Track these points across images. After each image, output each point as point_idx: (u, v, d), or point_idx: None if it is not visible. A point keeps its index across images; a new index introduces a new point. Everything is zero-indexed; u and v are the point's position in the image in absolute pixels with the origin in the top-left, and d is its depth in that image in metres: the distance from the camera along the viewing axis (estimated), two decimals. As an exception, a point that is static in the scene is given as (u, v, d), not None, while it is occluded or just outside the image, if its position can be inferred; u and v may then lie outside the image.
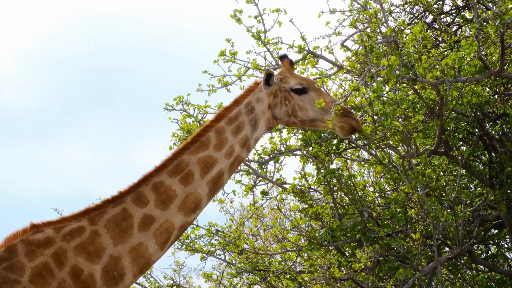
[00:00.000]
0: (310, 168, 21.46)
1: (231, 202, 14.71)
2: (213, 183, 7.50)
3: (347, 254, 13.24)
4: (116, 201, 7.19)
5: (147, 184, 7.30)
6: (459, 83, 11.62)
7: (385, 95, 11.94)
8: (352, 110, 8.31)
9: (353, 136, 12.72)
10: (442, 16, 15.27)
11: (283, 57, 8.27)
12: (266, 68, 12.09)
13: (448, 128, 12.85)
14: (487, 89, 13.27)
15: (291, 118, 7.98)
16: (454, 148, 13.09)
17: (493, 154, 13.26)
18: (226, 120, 7.73)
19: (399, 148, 12.43)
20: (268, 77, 7.99)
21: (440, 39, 14.40)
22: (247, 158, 13.26)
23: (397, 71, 11.15)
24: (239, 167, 13.35)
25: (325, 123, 8.07)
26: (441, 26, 15.03)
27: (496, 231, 13.87)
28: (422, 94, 12.08)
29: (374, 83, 11.35)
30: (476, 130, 13.29)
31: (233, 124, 7.74)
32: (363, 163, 13.83)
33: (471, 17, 13.74)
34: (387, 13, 13.34)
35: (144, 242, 7.13)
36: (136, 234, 7.12)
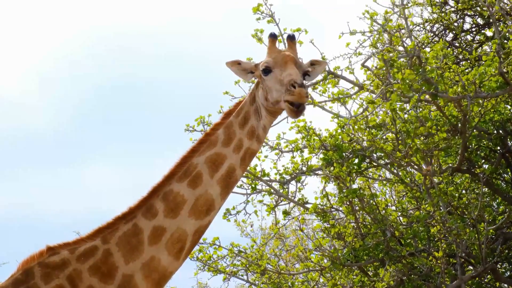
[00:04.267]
0: (332, 187, 21.43)
1: (251, 226, 14.67)
2: (225, 181, 7.12)
3: (370, 274, 13.18)
4: (128, 217, 7.01)
5: (158, 195, 7.06)
6: (480, 98, 11.61)
7: (406, 114, 11.95)
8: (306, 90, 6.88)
9: (375, 156, 12.72)
10: (462, 34, 15.28)
11: (269, 36, 7.51)
12: None
13: (470, 146, 12.82)
14: (508, 106, 13.24)
15: (267, 103, 7.16)
16: (476, 166, 13.05)
17: (516, 172, 13.21)
18: (235, 114, 7.29)
19: (421, 166, 12.41)
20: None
21: (460, 57, 14.40)
22: (268, 178, 13.30)
23: (412, 86, 11.16)
24: (261, 187, 13.42)
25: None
26: (462, 44, 15.03)
27: (520, 249, 13.79)
28: (445, 111, 12.08)
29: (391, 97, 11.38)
30: (499, 147, 13.25)
31: (240, 116, 7.29)
32: (384, 182, 13.79)
33: (491, 34, 13.74)
34: (409, 29, 13.39)
35: (156, 256, 6.91)
36: (147, 249, 6.90)
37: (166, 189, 7.08)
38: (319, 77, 13.28)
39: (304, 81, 7.04)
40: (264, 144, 13.42)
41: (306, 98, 6.85)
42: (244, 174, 13.24)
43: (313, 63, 7.57)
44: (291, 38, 7.50)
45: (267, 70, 7.21)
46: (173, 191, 7.05)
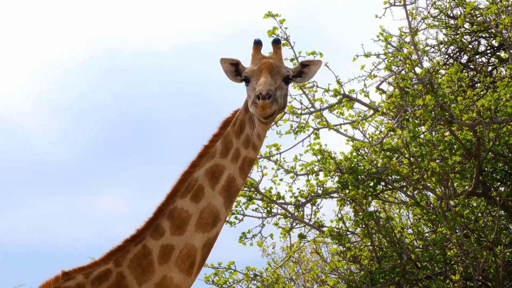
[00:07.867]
0: (347, 210, 21.39)
1: (273, 247, 14.67)
2: (226, 191, 7.09)
3: (387, 297, 13.13)
4: (137, 239, 7.02)
5: (163, 214, 7.06)
6: (496, 124, 11.58)
7: (422, 136, 11.94)
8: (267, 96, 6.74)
9: (391, 178, 12.70)
10: (477, 56, 15.27)
11: (253, 43, 7.32)
12: None
13: (486, 169, 12.78)
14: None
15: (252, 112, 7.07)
16: (492, 189, 13.00)
17: (532, 194, 13.13)
18: (232, 124, 7.28)
19: (437, 189, 12.38)
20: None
21: (475, 79, 14.39)
22: (284, 201, 13.30)
23: (433, 112, 11.14)
24: (277, 210, 13.42)
25: None
26: (476, 66, 15.02)
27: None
28: (459, 135, 12.06)
29: (410, 125, 11.36)
30: (514, 170, 13.20)
31: (236, 125, 7.25)
32: (400, 205, 13.75)
33: (506, 57, 13.73)
34: (422, 54, 13.37)
35: (167, 275, 6.89)
36: (157, 269, 6.89)
37: (171, 207, 7.09)
38: (334, 100, 13.29)
39: (273, 89, 6.86)
40: (279, 167, 13.46)
41: (270, 109, 6.77)
42: (259, 198, 13.28)
43: (306, 64, 7.49)
44: (276, 43, 7.34)
45: (247, 80, 7.18)
46: (177, 208, 7.06)
